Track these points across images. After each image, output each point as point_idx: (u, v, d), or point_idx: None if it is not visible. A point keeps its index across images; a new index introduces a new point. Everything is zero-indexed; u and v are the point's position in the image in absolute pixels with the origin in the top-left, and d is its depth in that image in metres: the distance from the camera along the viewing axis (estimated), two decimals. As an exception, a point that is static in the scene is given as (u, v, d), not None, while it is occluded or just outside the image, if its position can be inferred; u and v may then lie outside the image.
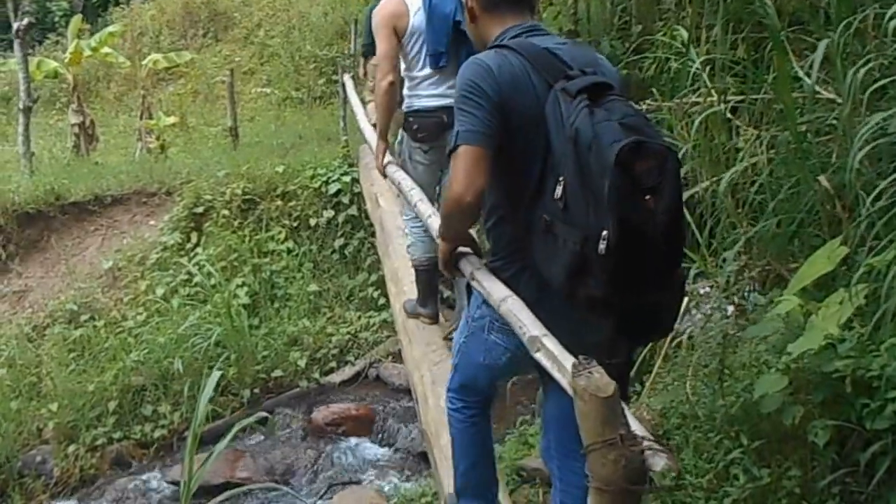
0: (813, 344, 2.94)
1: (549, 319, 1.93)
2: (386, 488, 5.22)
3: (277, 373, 6.53)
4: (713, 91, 4.27)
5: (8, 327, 6.75)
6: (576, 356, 1.65)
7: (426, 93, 3.96)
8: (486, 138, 2.08)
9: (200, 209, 7.94)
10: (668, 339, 4.13)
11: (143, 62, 13.59)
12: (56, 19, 20.44)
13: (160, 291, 7.05)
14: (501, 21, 2.26)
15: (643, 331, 2.13)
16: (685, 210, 2.08)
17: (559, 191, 1.95)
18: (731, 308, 3.87)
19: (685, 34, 4.65)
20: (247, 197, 8.10)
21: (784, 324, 3.41)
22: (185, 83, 14.99)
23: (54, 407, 5.83)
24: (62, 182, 8.51)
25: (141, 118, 13.11)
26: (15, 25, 9.73)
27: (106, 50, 12.95)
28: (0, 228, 7.89)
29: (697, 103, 4.61)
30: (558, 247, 1.97)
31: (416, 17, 3.88)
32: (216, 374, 3.29)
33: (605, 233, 1.82)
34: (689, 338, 4.17)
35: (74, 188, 8.58)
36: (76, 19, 12.61)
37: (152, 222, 8.51)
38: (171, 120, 13.20)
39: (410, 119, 4.01)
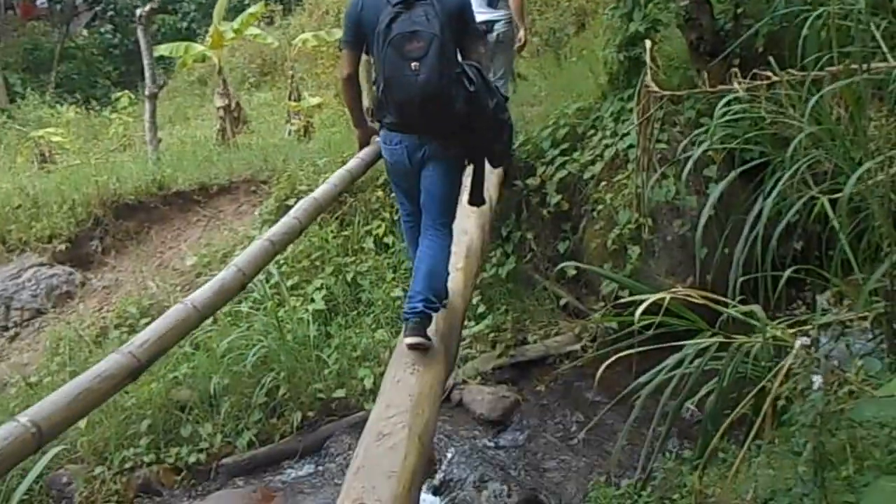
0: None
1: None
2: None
3: (339, 393, 5.79)
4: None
5: (70, 329, 6.46)
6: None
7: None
8: (349, 44, 3.62)
9: (293, 201, 7.37)
10: (770, 401, 3.02)
11: (293, 42, 13.40)
12: (247, 2, 20.86)
13: (232, 293, 6.54)
14: None
15: (482, 154, 3.69)
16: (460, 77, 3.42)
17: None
18: (818, 379, 2.69)
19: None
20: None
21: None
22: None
23: (83, 423, 5.42)
24: (166, 171, 8.27)
25: (289, 99, 12.93)
26: (138, 12, 9.66)
27: (255, 31, 12.88)
28: (97, 221, 7.73)
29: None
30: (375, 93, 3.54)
31: None
32: (48, 456, 2.54)
33: (380, 80, 3.41)
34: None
35: (182, 177, 8.33)
36: (221, 2, 12.55)
37: (258, 212, 8.10)
38: (316, 101, 12.93)
39: None
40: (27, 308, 6.83)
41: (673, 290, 3.29)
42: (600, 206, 6.52)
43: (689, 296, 3.39)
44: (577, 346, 6.25)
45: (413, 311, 3.36)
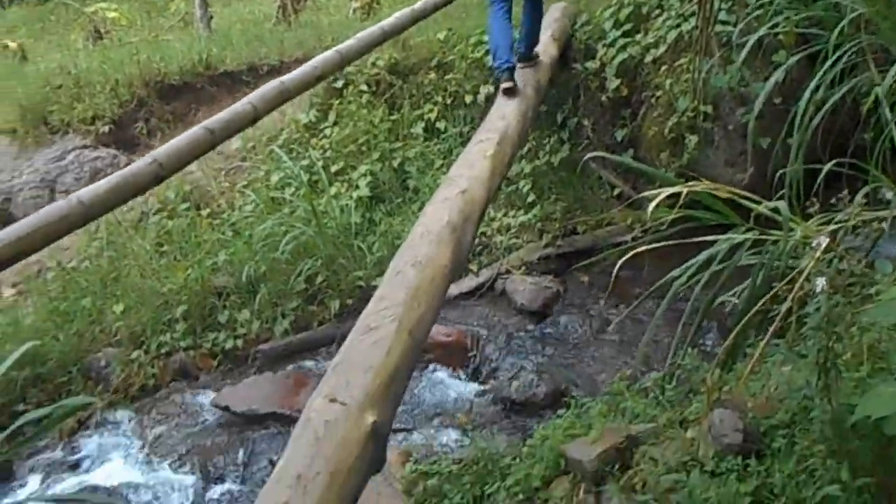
0: None
1: None
2: (443, 440, 4.59)
3: (380, 281, 5.95)
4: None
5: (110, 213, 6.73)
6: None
7: None
8: None
9: (341, 83, 7.44)
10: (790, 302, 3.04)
11: None
12: None
13: (275, 178, 6.74)
14: None
15: None
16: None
17: None
18: (821, 281, 2.68)
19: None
20: (395, 69, 7.47)
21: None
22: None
23: (120, 308, 5.76)
24: (213, 51, 8.38)
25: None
26: None
27: None
28: (141, 102, 7.94)
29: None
30: None
31: None
32: (26, 347, 2.74)
33: None
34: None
35: (231, 57, 8.45)
36: None
37: (306, 95, 8.19)
38: (382, -29, 12.74)
39: None
40: (71, 191, 7.11)
41: (693, 183, 3.28)
42: (660, 93, 6.39)
43: (716, 188, 3.39)
44: (629, 238, 6.24)
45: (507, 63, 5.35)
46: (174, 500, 4.60)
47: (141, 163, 2.70)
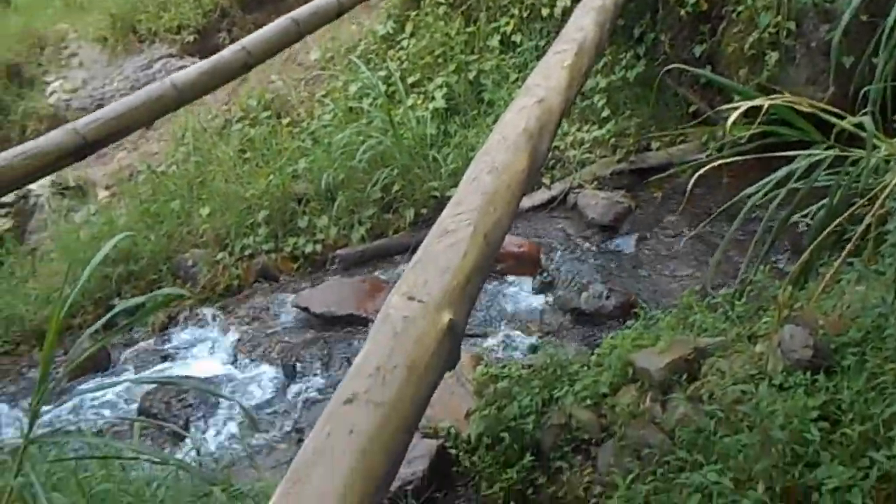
0: None
1: None
2: (513, 347, 4.65)
3: (454, 192, 5.98)
4: None
5: (196, 120, 6.85)
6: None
7: None
8: None
9: (417, -6, 7.35)
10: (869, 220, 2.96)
11: None
12: None
13: (353, 89, 6.74)
14: None
15: None
16: None
17: None
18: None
19: None
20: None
21: None
22: None
23: (206, 212, 5.91)
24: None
25: None
26: None
27: None
28: (224, 12, 7.97)
29: None
30: None
31: None
32: (115, 240, 2.81)
33: None
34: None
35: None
36: None
37: (384, 5, 8.11)
38: None
39: None
40: (158, 100, 7.28)
41: (774, 95, 3.17)
42: (741, 7, 6.16)
43: (797, 102, 3.27)
44: (703, 156, 6.11)
45: None
46: (257, 391, 4.83)
47: (230, 50, 2.75)
